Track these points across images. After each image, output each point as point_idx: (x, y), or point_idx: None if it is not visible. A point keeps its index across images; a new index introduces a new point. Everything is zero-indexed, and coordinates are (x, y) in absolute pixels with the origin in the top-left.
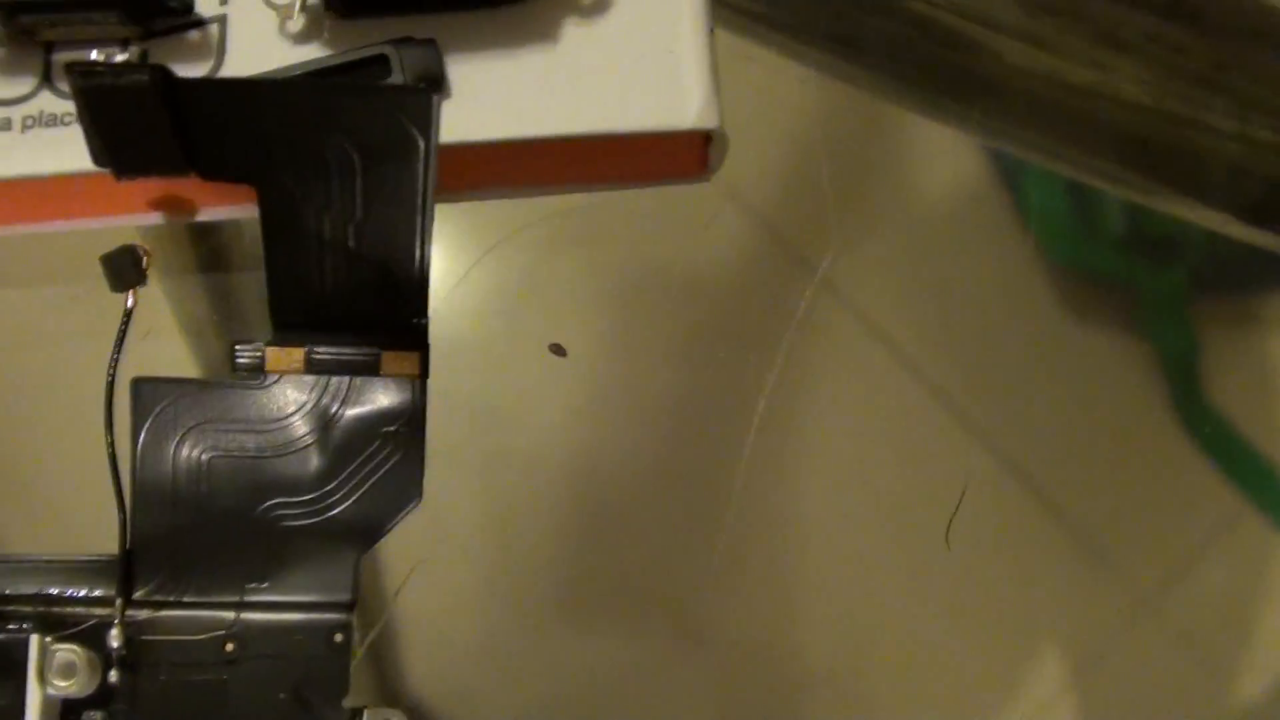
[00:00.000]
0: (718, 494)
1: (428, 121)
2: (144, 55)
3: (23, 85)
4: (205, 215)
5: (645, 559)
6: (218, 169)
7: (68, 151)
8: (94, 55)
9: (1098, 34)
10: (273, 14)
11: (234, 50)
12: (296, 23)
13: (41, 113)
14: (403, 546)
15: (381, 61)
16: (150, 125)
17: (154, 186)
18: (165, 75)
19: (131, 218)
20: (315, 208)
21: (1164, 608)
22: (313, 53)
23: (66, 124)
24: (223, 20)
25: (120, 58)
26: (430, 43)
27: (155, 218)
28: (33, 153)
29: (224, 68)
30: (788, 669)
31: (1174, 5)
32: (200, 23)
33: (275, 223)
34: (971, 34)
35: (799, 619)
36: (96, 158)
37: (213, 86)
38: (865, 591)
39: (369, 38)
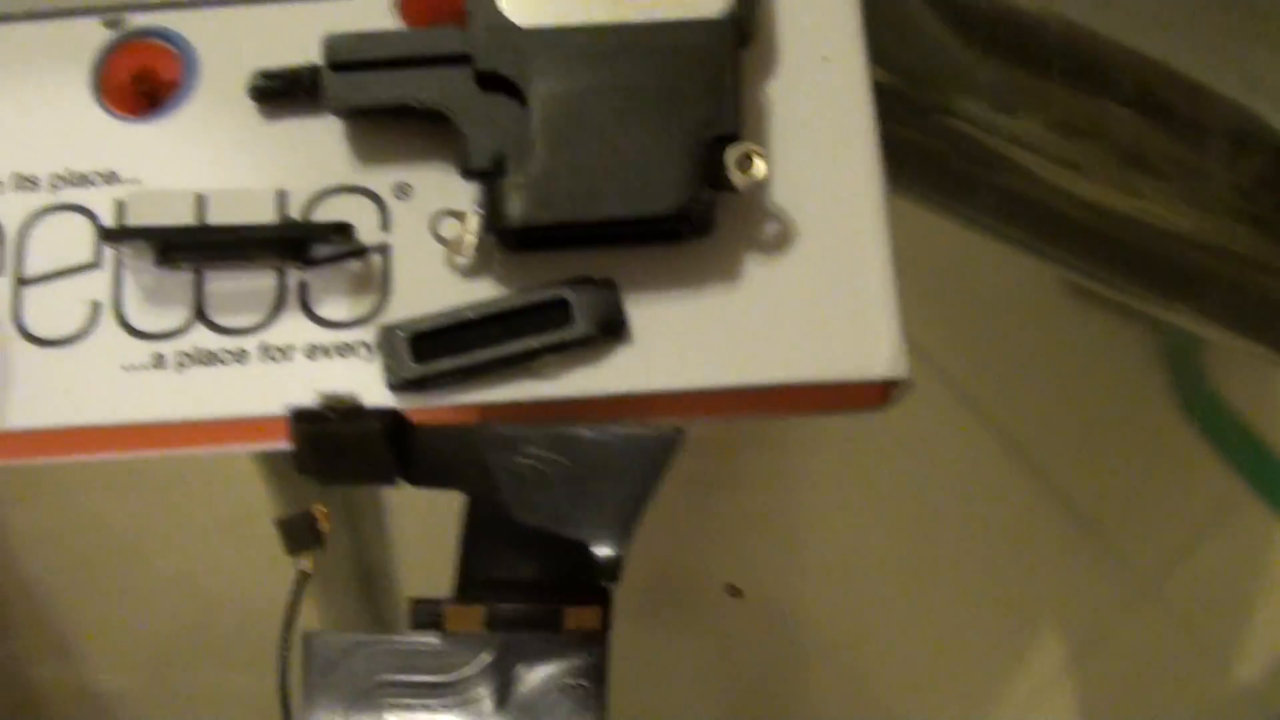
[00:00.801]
0: (722, 470)
1: (666, 462)
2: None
3: (174, 318)
4: None
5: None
6: (429, 482)
7: (227, 394)
8: (317, 394)
9: (1124, 157)
10: (438, 246)
11: (399, 283)
12: (466, 256)
13: (196, 349)
14: None
15: (561, 305)
16: (369, 457)
17: None
18: (396, 421)
19: (275, 444)
20: (524, 508)
21: (1163, 590)
22: (484, 289)
23: (224, 363)
24: (385, 250)
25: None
26: (610, 284)
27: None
28: (189, 395)
29: (389, 302)
30: (790, 644)
31: (1194, 130)
32: (362, 251)
33: (480, 513)
34: (1003, 151)
35: (801, 595)
36: (301, 469)
37: (447, 434)
38: (868, 569)
39: (542, 273)
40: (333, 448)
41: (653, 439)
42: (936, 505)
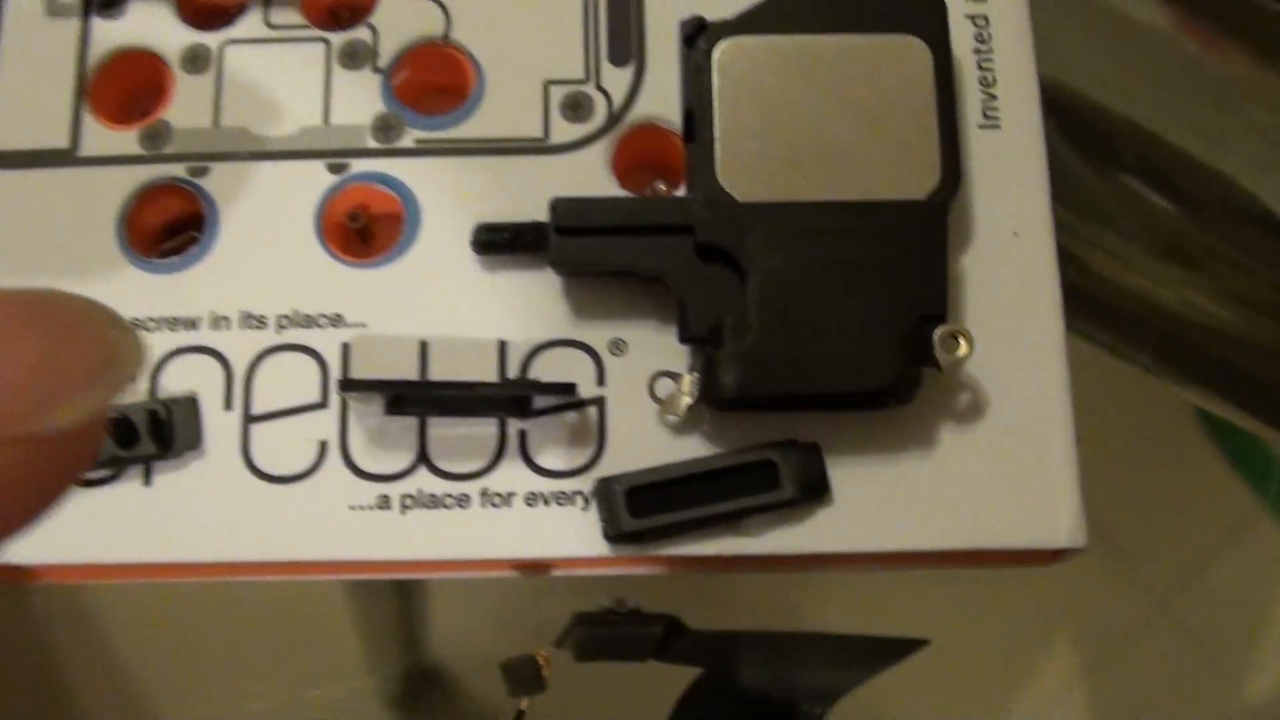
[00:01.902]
0: None
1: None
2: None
3: (399, 461)
4: (560, 572)
5: None
6: (675, 662)
7: (450, 537)
8: (603, 602)
9: (1165, 249)
10: (651, 401)
11: (613, 436)
12: (679, 416)
13: (420, 492)
14: None
15: (769, 466)
16: (637, 648)
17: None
18: (674, 625)
19: (492, 574)
20: (749, 681)
21: (1177, 606)
22: (694, 446)
23: (447, 506)
24: (601, 403)
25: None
26: (814, 448)
27: (510, 573)
28: (413, 537)
29: (603, 454)
30: None
31: (1232, 221)
32: (580, 404)
33: (708, 683)
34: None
35: (810, 606)
36: (569, 649)
37: (714, 637)
38: (878, 581)
39: (748, 432)
40: (607, 642)
41: (895, 645)
42: None
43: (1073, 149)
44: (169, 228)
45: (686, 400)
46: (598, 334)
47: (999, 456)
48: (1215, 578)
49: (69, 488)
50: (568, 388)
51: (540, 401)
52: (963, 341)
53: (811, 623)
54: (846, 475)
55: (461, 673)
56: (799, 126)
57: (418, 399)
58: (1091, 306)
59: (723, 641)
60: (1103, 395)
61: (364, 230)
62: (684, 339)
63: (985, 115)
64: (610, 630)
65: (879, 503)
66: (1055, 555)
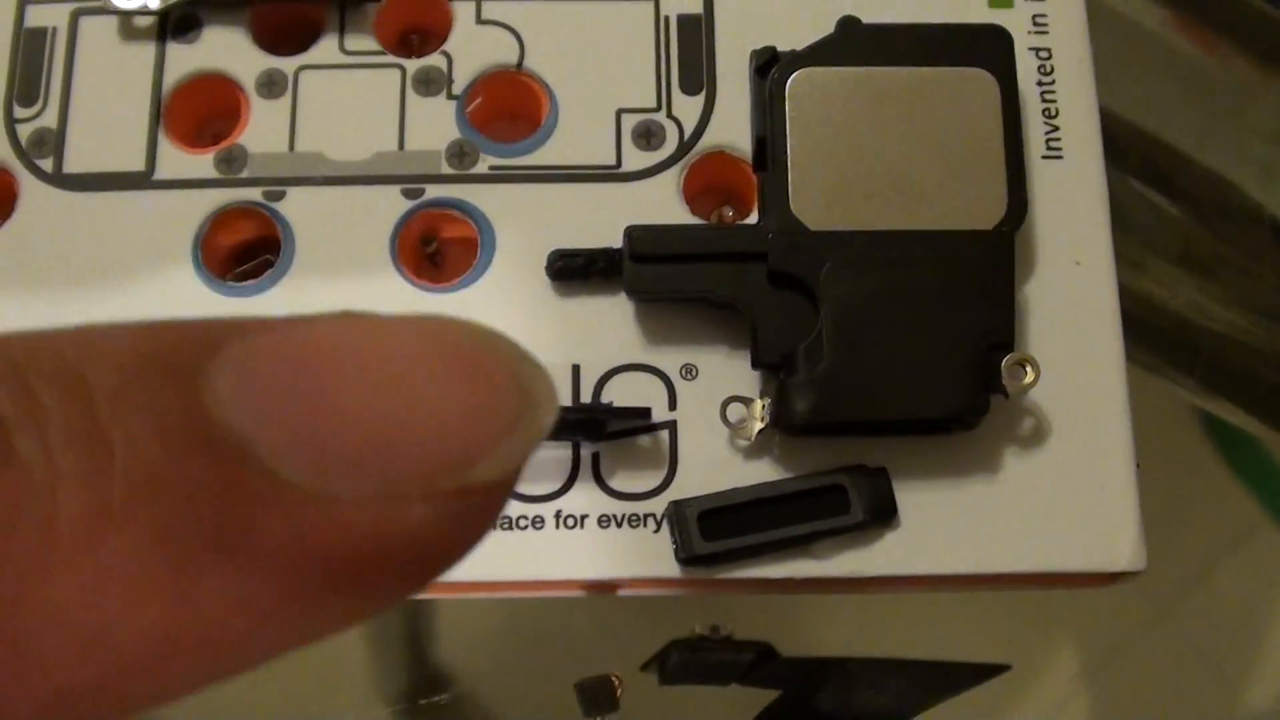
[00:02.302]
0: None
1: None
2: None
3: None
4: (630, 592)
5: None
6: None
7: (526, 559)
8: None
9: (1177, 255)
10: (722, 425)
11: (684, 460)
12: (750, 440)
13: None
14: None
15: (839, 490)
16: (726, 674)
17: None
18: (767, 653)
19: (565, 594)
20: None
21: (1179, 612)
22: (763, 470)
23: (523, 529)
24: (673, 426)
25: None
26: (882, 473)
27: (579, 593)
28: (493, 559)
29: (675, 478)
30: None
31: (1237, 226)
32: (653, 428)
33: (783, 707)
34: None
35: (811, 610)
36: (657, 674)
37: (801, 666)
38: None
39: (817, 456)
40: (700, 667)
41: (976, 670)
42: None
43: None
44: (244, 250)
45: (758, 425)
46: (670, 359)
47: (1061, 481)
48: (1218, 585)
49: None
50: (643, 412)
51: (614, 425)
52: (1029, 369)
53: (812, 627)
54: (913, 499)
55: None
56: (869, 157)
57: None
58: None
59: (810, 668)
60: None
61: (436, 254)
62: (756, 365)
63: (1048, 146)
64: (703, 656)
65: (945, 526)
66: (1114, 577)
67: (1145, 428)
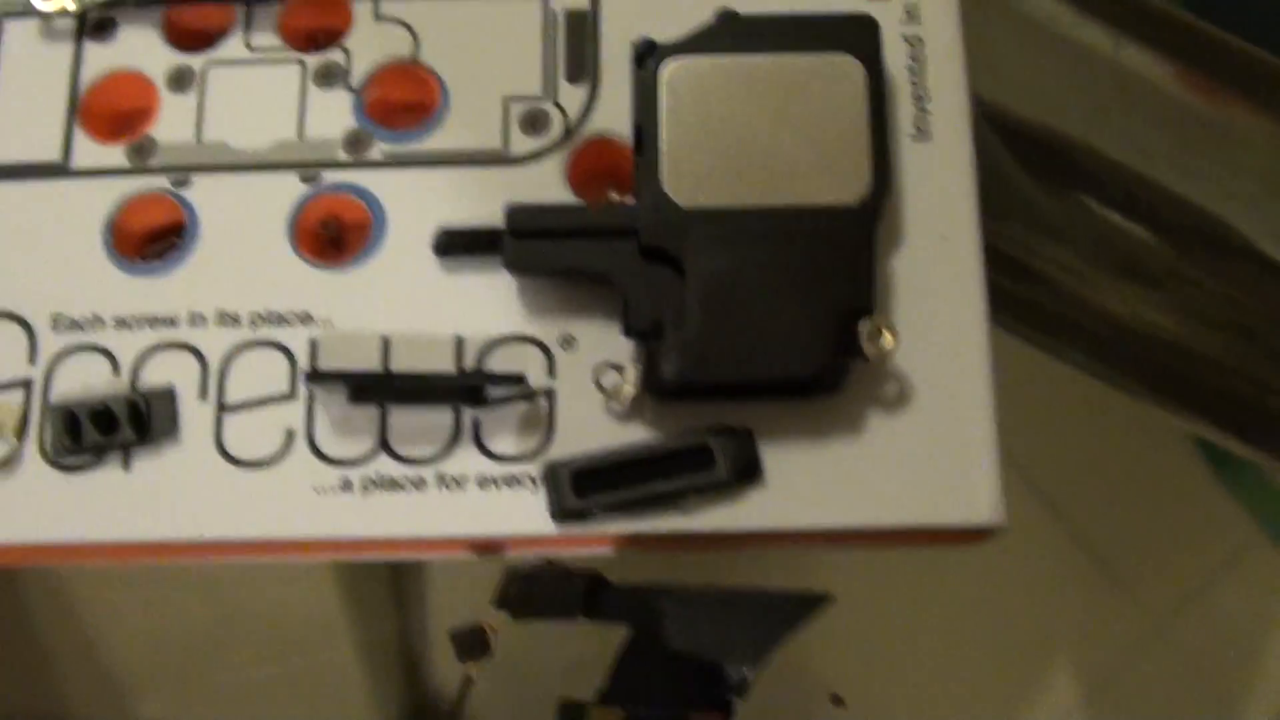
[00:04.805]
0: None
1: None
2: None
3: (360, 447)
4: (514, 554)
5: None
6: (604, 620)
7: (406, 517)
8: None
9: (1123, 268)
10: (598, 392)
11: (562, 424)
12: (624, 405)
13: (379, 475)
14: None
15: (705, 450)
16: (565, 605)
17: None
18: (597, 581)
19: (446, 555)
20: (676, 641)
21: (1175, 630)
22: (637, 434)
23: (404, 489)
24: (551, 394)
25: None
26: (748, 433)
27: (466, 555)
28: (373, 517)
29: (552, 440)
30: (802, 681)
31: (1187, 238)
32: (530, 395)
33: (639, 643)
34: (1027, 262)
35: (814, 632)
36: (503, 608)
37: (634, 591)
38: (880, 608)
39: (687, 420)
40: (537, 597)
41: (804, 599)
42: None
43: (1033, 174)
44: (154, 235)
45: (630, 390)
46: (549, 330)
47: (924, 441)
48: (1213, 603)
49: None
50: (517, 378)
51: (493, 392)
52: (887, 334)
53: (809, 659)
54: (780, 459)
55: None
56: (740, 139)
57: (378, 389)
58: (1059, 323)
59: (644, 597)
60: (1101, 424)
61: (336, 238)
62: (627, 333)
63: (917, 128)
64: (537, 585)
65: (809, 484)
66: (982, 535)
67: (1140, 449)
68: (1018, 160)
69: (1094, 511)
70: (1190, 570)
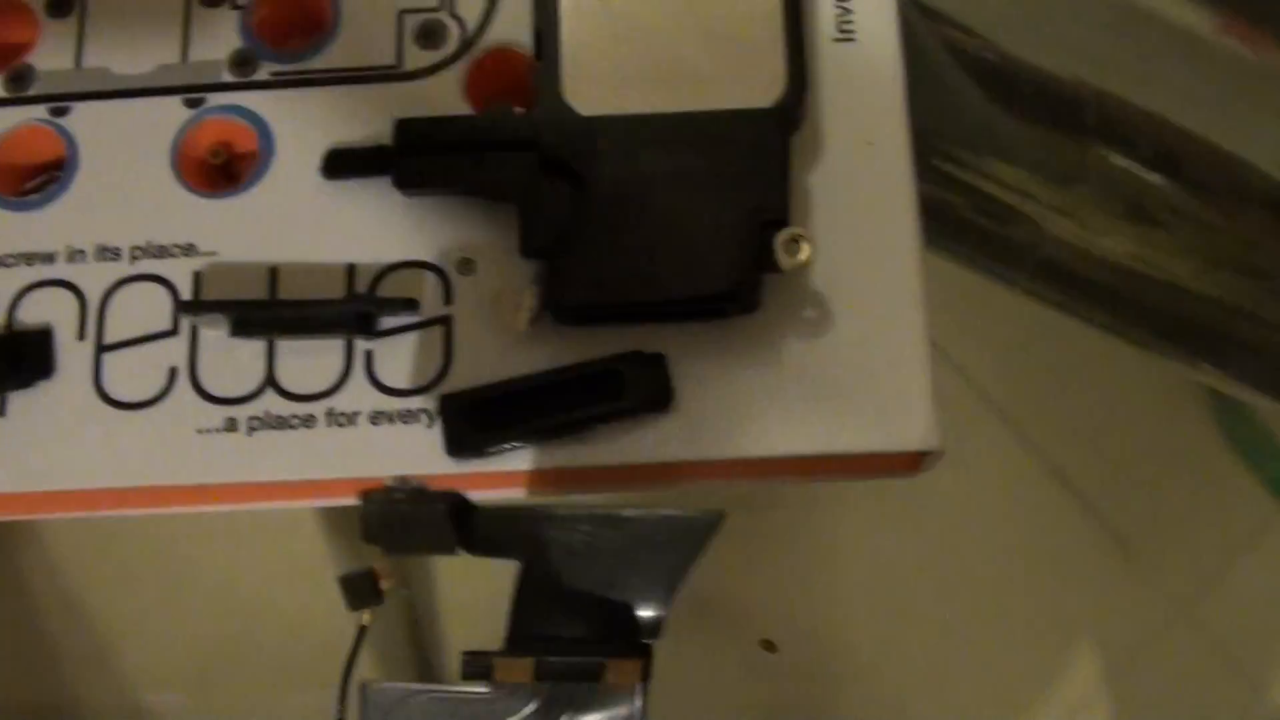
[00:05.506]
0: (759, 490)
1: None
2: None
3: (247, 384)
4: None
5: None
6: (487, 553)
7: (295, 458)
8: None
9: (1128, 209)
10: (499, 318)
11: (460, 353)
12: (523, 329)
13: (267, 414)
14: None
15: (613, 377)
16: (434, 533)
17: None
18: (460, 503)
19: (341, 501)
20: (574, 575)
21: (1198, 611)
22: (540, 360)
23: (293, 427)
24: (448, 321)
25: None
26: (659, 358)
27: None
28: (260, 458)
29: (450, 369)
30: (824, 663)
31: (1196, 180)
32: (424, 322)
33: (533, 577)
34: (1011, 203)
35: (835, 614)
36: (369, 540)
37: (504, 514)
38: (903, 588)
39: (596, 346)
40: (400, 525)
41: (695, 521)
42: (972, 525)
43: (1032, 116)
44: (34, 170)
45: (527, 314)
46: (445, 254)
47: (851, 363)
48: (1236, 581)
49: None
50: (409, 302)
51: (386, 321)
52: (804, 245)
53: (830, 641)
54: (695, 385)
55: None
56: (646, 41)
57: (260, 319)
58: (1044, 267)
59: (520, 522)
60: (1119, 401)
61: (228, 165)
62: (525, 253)
63: (840, 29)
64: (395, 512)
65: (728, 411)
66: (916, 462)
67: (1158, 427)
68: (1032, 113)
69: (1113, 491)
70: (1211, 549)
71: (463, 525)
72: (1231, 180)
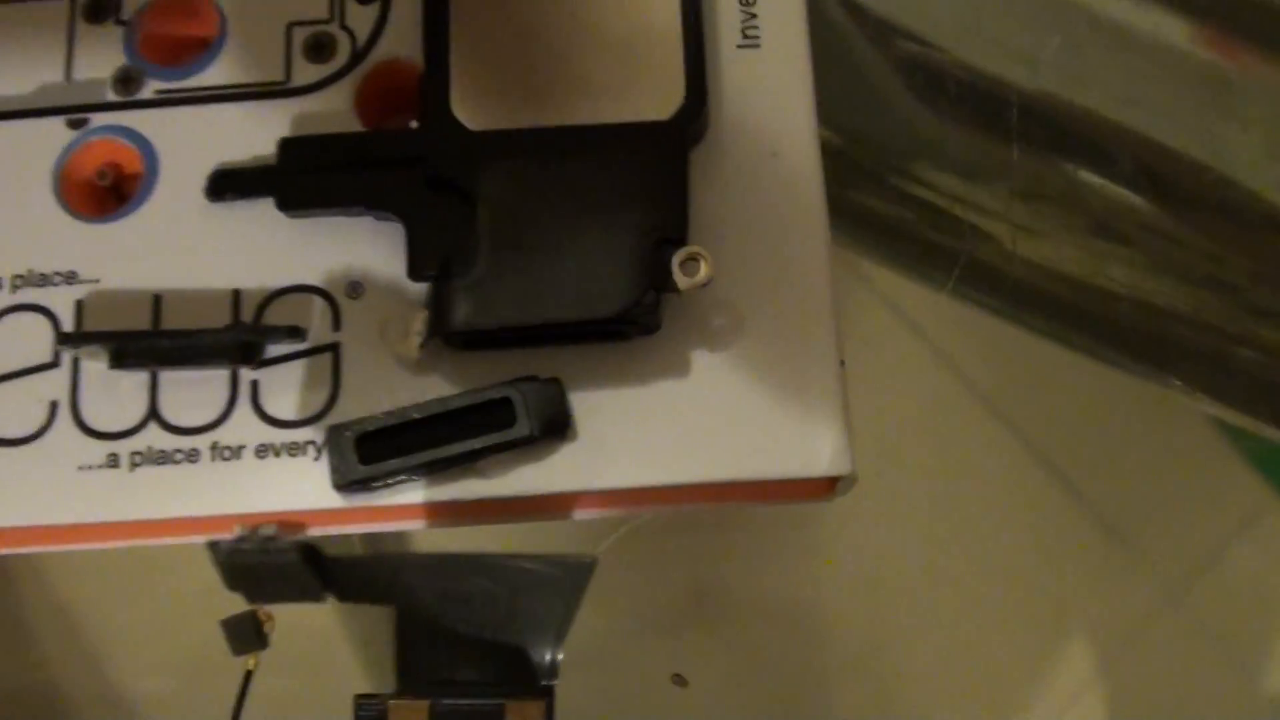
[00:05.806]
0: None
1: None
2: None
3: (129, 417)
4: (315, 532)
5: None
6: (359, 600)
7: (179, 495)
8: (237, 530)
9: (1093, 224)
10: (389, 345)
11: (349, 382)
12: (413, 355)
13: (149, 448)
14: None
15: (505, 404)
16: (295, 582)
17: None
18: (312, 552)
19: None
20: (455, 620)
21: (1190, 597)
22: (433, 387)
23: (176, 462)
24: (335, 348)
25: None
26: (554, 383)
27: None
28: (141, 495)
29: (339, 399)
30: (819, 652)
31: (1166, 193)
32: (312, 351)
33: (412, 622)
34: (966, 218)
35: (829, 603)
36: (232, 587)
37: (364, 562)
38: (895, 576)
39: (490, 371)
40: (256, 574)
41: (570, 566)
42: (964, 512)
43: (1020, 141)
44: None
45: (416, 339)
46: (334, 278)
47: (758, 385)
48: (1229, 569)
49: None
50: (293, 331)
51: (272, 350)
52: (703, 264)
53: (822, 630)
54: (594, 411)
55: None
56: (538, 53)
57: (137, 350)
58: (1013, 288)
59: (379, 571)
60: (1107, 389)
61: (118, 187)
62: (413, 275)
63: (745, 35)
64: (245, 559)
65: (628, 437)
66: (830, 486)
67: (1148, 414)
68: (1005, 130)
69: (1103, 478)
70: (1203, 536)
71: (324, 573)
72: (1203, 192)
